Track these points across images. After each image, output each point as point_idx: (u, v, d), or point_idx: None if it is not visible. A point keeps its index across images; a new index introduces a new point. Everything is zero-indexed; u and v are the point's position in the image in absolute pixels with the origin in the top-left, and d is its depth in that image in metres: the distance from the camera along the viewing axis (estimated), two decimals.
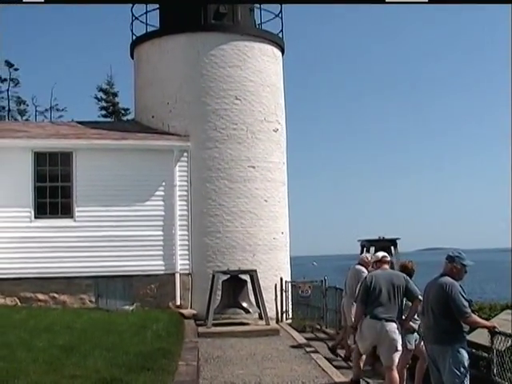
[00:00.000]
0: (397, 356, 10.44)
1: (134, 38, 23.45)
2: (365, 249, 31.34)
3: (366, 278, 11.16)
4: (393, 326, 10.38)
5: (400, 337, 10.46)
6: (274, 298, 20.47)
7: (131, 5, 23.40)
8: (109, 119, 47.19)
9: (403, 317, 10.51)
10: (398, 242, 34.48)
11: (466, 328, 8.65)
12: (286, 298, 20.83)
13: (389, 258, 11.60)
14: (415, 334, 10.78)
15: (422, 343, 9.94)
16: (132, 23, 23.54)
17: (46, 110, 51.43)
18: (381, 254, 11.66)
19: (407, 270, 10.94)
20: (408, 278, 10.79)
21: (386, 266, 11.29)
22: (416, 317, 10.49)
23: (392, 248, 33.14)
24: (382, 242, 33.46)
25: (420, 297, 10.04)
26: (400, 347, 10.40)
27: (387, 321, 10.36)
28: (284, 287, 20.81)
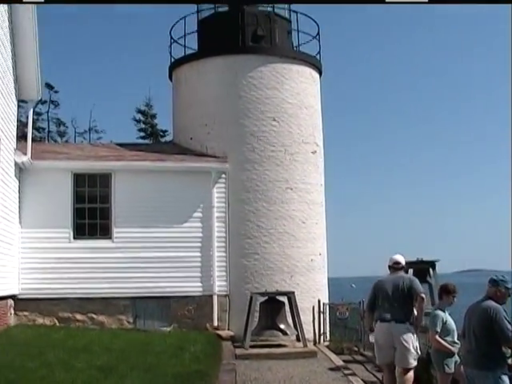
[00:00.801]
0: (411, 357, 10.50)
1: (173, 60, 23.66)
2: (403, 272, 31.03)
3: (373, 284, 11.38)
4: (402, 327, 10.52)
5: (413, 337, 10.54)
6: (311, 319, 20.35)
7: (170, 27, 23.62)
8: (147, 141, 47.50)
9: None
10: (436, 263, 34.09)
11: (508, 353, 8.54)
12: (324, 319, 20.70)
13: (400, 264, 11.53)
14: (455, 357, 10.69)
15: (462, 367, 9.84)
16: (171, 46, 23.76)
17: (85, 131, 51.93)
18: (393, 258, 11.63)
19: (449, 292, 10.84)
20: (413, 277, 10.86)
21: (399, 272, 11.30)
22: (456, 340, 10.42)
23: (430, 270, 32.73)
24: (421, 263, 33.07)
25: (422, 294, 10.19)
26: (412, 348, 10.47)
27: (396, 322, 10.51)
28: (322, 309, 20.69)
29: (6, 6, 17.04)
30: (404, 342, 10.59)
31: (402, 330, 10.64)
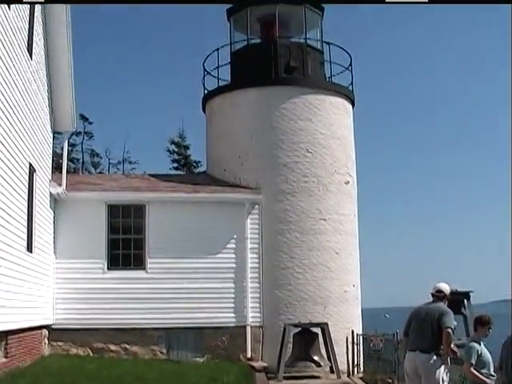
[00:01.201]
0: None
1: (206, 92, 23.82)
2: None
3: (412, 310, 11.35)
4: (426, 357, 10.46)
5: (439, 368, 10.47)
6: (345, 351, 20.22)
7: (203, 59, 23.83)
8: (180, 172, 47.66)
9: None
10: (471, 294, 33.78)
11: None
12: (358, 351, 20.55)
13: (442, 293, 11.37)
14: None
15: None
16: (204, 77, 23.93)
17: (119, 162, 52.14)
18: (436, 286, 11.49)
19: (484, 324, 10.71)
20: (446, 310, 10.73)
21: (439, 301, 11.18)
22: (492, 372, 10.31)
23: (465, 301, 32.51)
24: (455, 294, 32.76)
25: (449, 329, 10.10)
26: (436, 378, 10.40)
27: (421, 351, 10.46)
28: (355, 340, 20.55)
29: (42, 38, 17.32)
30: (427, 373, 10.54)
31: (426, 360, 10.58)
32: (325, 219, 21.14)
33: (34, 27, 16.03)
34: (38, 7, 16.26)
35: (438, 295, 11.22)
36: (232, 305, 20.42)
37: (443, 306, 10.98)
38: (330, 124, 21.90)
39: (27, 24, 15.19)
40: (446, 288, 11.39)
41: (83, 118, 48.70)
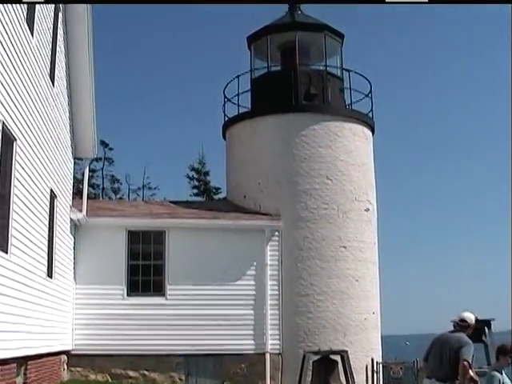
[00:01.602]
0: None
1: (226, 119, 23.93)
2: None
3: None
4: None
5: None
6: (364, 379, 20.12)
7: (223, 87, 23.98)
8: (200, 198, 47.78)
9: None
10: (492, 322, 33.46)
11: None
12: (378, 379, 20.44)
13: (466, 323, 11.19)
14: None
15: None
16: (224, 104, 24.06)
17: (139, 188, 52.29)
18: (460, 315, 11.34)
19: (506, 353, 10.59)
20: (466, 341, 10.56)
21: (462, 331, 11.04)
22: None
23: (486, 329, 32.23)
24: (476, 322, 32.55)
25: (465, 362, 9.99)
26: None
27: (437, 379, 10.37)
28: (375, 368, 20.44)
29: (64, 65, 17.48)
30: None
31: None
32: (345, 246, 21.10)
33: (57, 54, 16.18)
34: (60, 32, 16.44)
35: (462, 324, 11.05)
36: (251, 332, 20.36)
37: (464, 336, 10.83)
38: (349, 151, 21.93)
39: (50, 50, 15.34)
40: (470, 318, 11.18)
41: (104, 143, 48.97)
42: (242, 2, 13.08)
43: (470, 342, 10.66)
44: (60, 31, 16.58)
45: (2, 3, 8.46)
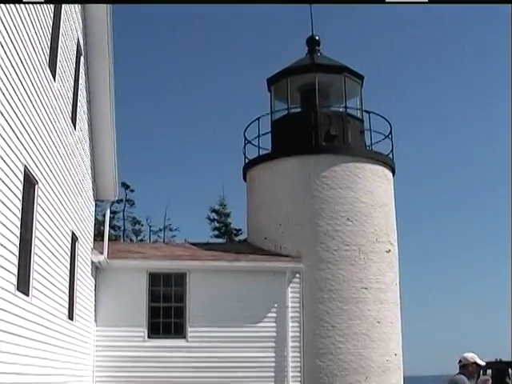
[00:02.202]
0: None
1: (247, 161, 24.02)
2: (481, 371, 30.29)
3: None
4: None
5: None
6: None
7: (244, 129, 24.12)
8: (221, 239, 47.87)
9: None
10: None
11: None
12: None
13: (461, 362, 11.06)
14: None
15: None
16: (245, 146, 24.19)
17: (160, 229, 52.47)
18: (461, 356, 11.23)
19: None
20: (455, 381, 10.47)
21: (460, 370, 10.93)
22: None
23: (509, 370, 32.01)
24: (499, 363, 32.33)
25: None
26: None
27: None
28: None
29: (86, 108, 17.66)
30: None
31: None
32: (366, 288, 21.00)
33: (78, 98, 16.36)
34: (81, 76, 16.63)
35: (460, 365, 11.05)
36: (273, 374, 20.22)
37: (458, 377, 10.75)
38: (370, 192, 21.92)
39: (71, 94, 15.51)
40: (464, 357, 11.14)
41: (125, 185, 49.28)
42: (256, 2, 13.19)
43: (460, 381, 10.56)
44: (82, 75, 16.77)
45: (2, 3, 8.53)
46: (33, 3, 9.55)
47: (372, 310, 20.97)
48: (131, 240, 50.68)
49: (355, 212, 21.50)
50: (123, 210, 52.24)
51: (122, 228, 52.55)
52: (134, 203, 52.76)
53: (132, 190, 51.94)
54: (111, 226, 45.88)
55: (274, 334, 20.36)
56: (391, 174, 23.26)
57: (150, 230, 52.63)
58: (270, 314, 20.42)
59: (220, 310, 20.13)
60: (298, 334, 20.46)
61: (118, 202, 48.94)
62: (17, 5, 10.00)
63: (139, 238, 52.04)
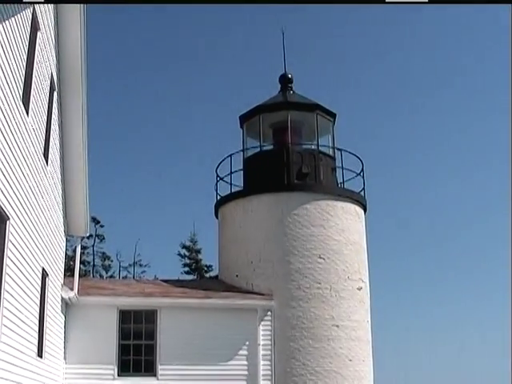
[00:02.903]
0: None
1: (219, 197, 24.02)
2: None
3: None
4: None
5: None
6: None
7: (216, 166, 24.15)
8: (191, 276, 47.77)
9: None
10: None
11: None
12: None
13: None
14: None
15: None
16: (217, 183, 24.22)
17: (130, 265, 52.24)
18: None
19: None
20: None
21: None
22: None
23: None
24: None
25: None
26: None
27: None
28: None
29: (58, 143, 17.57)
30: None
31: None
32: (337, 326, 20.97)
33: (51, 133, 16.28)
34: (54, 111, 16.57)
35: None
36: None
37: None
38: (342, 230, 21.97)
39: (44, 129, 15.44)
40: None
41: (95, 220, 49.08)
42: (242, 3, 13.23)
43: None
44: (55, 110, 16.72)
45: (2, 3, 8.50)
46: (33, 3, 9.51)
47: (344, 348, 20.92)
48: (101, 275, 50.42)
49: (327, 250, 21.52)
50: (93, 245, 52.01)
51: (92, 263, 52.25)
52: (103, 238, 52.56)
53: (102, 225, 51.73)
54: (81, 262, 45.57)
55: (246, 373, 20.24)
56: (363, 212, 23.36)
57: (120, 266, 52.39)
58: (241, 352, 20.31)
59: (191, 347, 19.99)
60: (269, 373, 20.36)
61: (88, 237, 48.70)
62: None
63: (109, 273, 51.77)
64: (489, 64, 61.73)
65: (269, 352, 20.43)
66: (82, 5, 15.63)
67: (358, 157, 23.68)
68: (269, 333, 20.54)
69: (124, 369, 20.00)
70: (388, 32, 66.04)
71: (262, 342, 20.38)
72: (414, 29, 65.93)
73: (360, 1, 10.42)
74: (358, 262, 22.20)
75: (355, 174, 23.81)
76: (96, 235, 51.66)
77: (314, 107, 23.90)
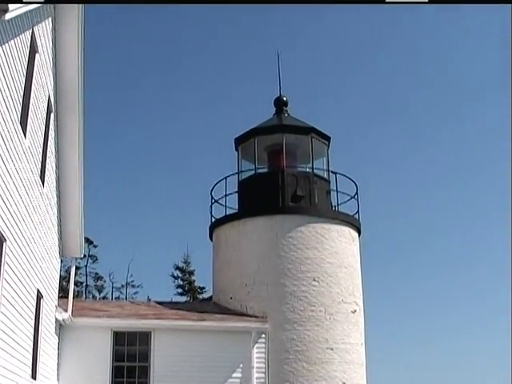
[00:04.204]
0: None
1: (213, 220, 24.06)
2: None
3: None
4: None
5: None
6: None
7: (210, 188, 24.22)
8: (184, 297, 47.74)
9: None
10: None
11: None
12: None
13: None
14: None
15: None
16: (211, 206, 24.28)
17: (122, 286, 52.27)
18: None
19: None
20: None
21: None
22: None
23: None
24: None
25: None
26: None
27: None
28: None
29: (54, 164, 17.60)
30: None
31: None
32: (332, 348, 20.96)
33: (48, 155, 16.33)
34: (51, 132, 16.62)
35: None
36: None
37: None
38: (336, 253, 22.01)
39: (41, 151, 15.48)
40: None
41: (88, 240, 49.10)
42: (239, 3, 13.23)
43: None
44: (51, 132, 16.77)
45: (2, 3, 8.55)
46: (33, 3, 9.57)
47: (338, 371, 20.90)
48: (94, 296, 50.39)
49: (321, 272, 21.55)
50: (86, 266, 52.00)
51: (85, 284, 52.21)
52: (96, 259, 52.56)
53: (95, 246, 51.74)
54: (74, 283, 45.53)
55: None
56: (357, 235, 23.40)
57: (113, 287, 52.34)
58: (235, 375, 20.26)
59: (185, 369, 19.92)
60: None
61: (81, 258, 48.63)
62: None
63: (102, 294, 51.72)
64: (489, 64, 61.85)
65: (263, 375, 20.38)
66: (80, 26, 15.77)
67: (352, 180, 23.81)
68: (263, 355, 20.51)
69: None
70: (385, 50, 66.22)
71: (256, 365, 20.34)
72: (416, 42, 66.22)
73: (360, 1, 10.49)
74: (352, 284, 22.22)
75: (349, 197, 23.90)
76: (89, 255, 51.68)
77: (308, 130, 24.01)
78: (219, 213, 24.03)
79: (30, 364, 15.32)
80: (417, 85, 66.53)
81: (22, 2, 9.07)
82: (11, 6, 8.89)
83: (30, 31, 12.99)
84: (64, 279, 30.36)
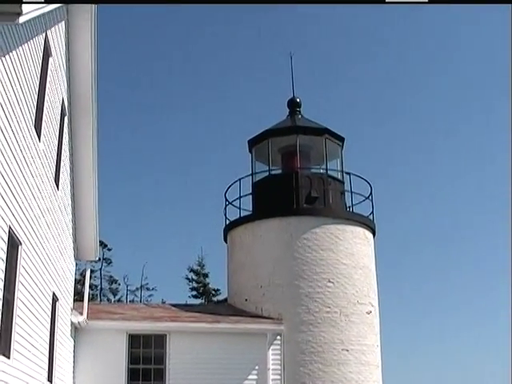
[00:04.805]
0: None
1: (228, 222, 24.05)
2: None
3: None
4: None
5: None
6: None
7: (224, 190, 24.20)
8: (199, 299, 47.75)
9: None
10: None
11: None
12: None
13: None
14: None
15: None
16: (225, 208, 24.25)
17: (137, 288, 52.34)
18: None
19: None
20: None
21: None
22: None
23: None
24: None
25: None
26: None
27: None
28: None
29: (68, 168, 17.63)
30: None
31: None
32: (347, 350, 20.90)
33: (62, 158, 16.36)
34: (65, 135, 16.65)
35: None
36: None
37: None
38: (351, 254, 21.96)
39: (55, 154, 15.51)
40: None
41: (102, 243, 49.19)
42: (243, 3, 13.26)
43: None
44: (65, 135, 16.81)
45: (2, 3, 8.55)
46: (33, 3, 9.58)
47: (353, 372, 20.84)
48: (108, 299, 50.48)
49: (336, 274, 21.50)
50: (100, 269, 52.10)
51: (99, 287, 52.30)
52: (111, 262, 52.66)
53: (109, 249, 51.83)
54: (89, 286, 45.62)
55: None
56: (372, 235, 23.34)
57: (127, 289, 52.42)
58: (250, 377, 20.22)
59: (200, 372, 19.89)
60: None
61: (96, 261, 48.73)
62: (4, 59, 10.05)
63: (116, 297, 51.80)
64: (489, 64, 61.73)
65: (278, 377, 20.34)
66: (93, 29, 15.80)
67: (366, 180, 23.75)
68: (278, 357, 20.46)
69: None
70: (395, 50, 66.13)
71: (271, 367, 20.29)
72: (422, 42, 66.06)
73: (360, 1, 10.50)
74: (367, 285, 22.16)
75: (364, 198, 23.84)
76: (103, 258, 51.78)
77: (322, 131, 23.97)
78: (233, 215, 24.07)
79: (46, 367, 15.34)
80: (431, 84, 66.41)
81: (22, 2, 9.05)
82: (25, 9, 8.88)
83: (44, 35, 13.02)
84: (79, 282, 30.40)
